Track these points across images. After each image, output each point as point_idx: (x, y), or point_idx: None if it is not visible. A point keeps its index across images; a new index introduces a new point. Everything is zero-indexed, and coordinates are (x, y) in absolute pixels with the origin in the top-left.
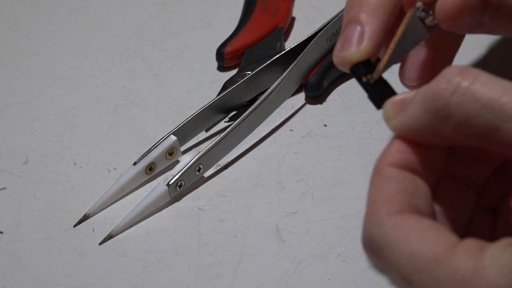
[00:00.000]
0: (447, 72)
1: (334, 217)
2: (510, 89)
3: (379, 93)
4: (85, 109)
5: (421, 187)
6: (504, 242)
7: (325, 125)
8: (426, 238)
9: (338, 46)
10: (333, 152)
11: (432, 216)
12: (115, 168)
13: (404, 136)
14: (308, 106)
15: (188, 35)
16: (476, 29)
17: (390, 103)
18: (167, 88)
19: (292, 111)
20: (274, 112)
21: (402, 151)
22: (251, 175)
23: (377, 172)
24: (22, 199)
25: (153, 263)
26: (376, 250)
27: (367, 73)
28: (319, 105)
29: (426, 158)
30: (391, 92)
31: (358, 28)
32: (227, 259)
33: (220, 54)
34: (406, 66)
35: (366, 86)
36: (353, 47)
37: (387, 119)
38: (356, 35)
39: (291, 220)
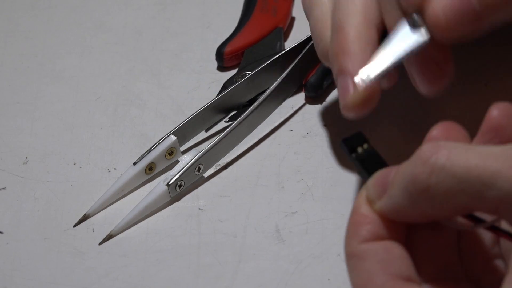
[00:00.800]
0: (422, 152)
1: (334, 217)
2: (484, 155)
3: (368, 166)
4: (85, 109)
5: (395, 250)
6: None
7: (325, 125)
8: None
9: (340, 98)
10: (333, 152)
11: (414, 272)
12: (115, 168)
13: (388, 217)
14: (308, 106)
15: (188, 35)
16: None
17: (371, 185)
18: (167, 88)
19: (292, 111)
20: (274, 112)
21: (368, 224)
22: (251, 175)
23: (351, 256)
24: (22, 199)
25: (153, 263)
26: None
27: (357, 147)
28: (319, 105)
29: (393, 223)
30: (381, 164)
31: (349, 78)
32: (227, 259)
33: (220, 54)
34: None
35: (355, 160)
36: (351, 93)
37: (370, 201)
38: (349, 84)
39: (291, 220)
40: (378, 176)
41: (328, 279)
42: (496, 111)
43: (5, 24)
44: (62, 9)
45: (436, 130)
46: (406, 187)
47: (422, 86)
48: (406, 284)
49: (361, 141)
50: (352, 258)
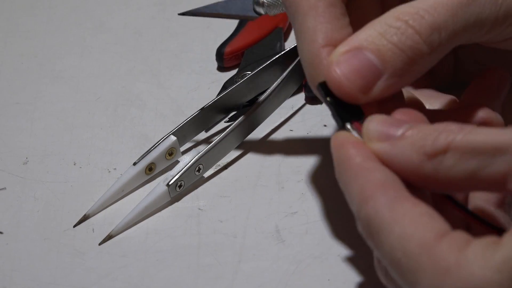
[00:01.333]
0: (449, 129)
1: (334, 217)
2: (495, 131)
3: (344, 112)
4: (84, 109)
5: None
6: (488, 240)
7: (325, 125)
8: (419, 223)
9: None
10: None
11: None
12: (115, 168)
13: (380, 159)
14: (308, 106)
15: (188, 35)
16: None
17: (376, 123)
18: (166, 88)
19: (292, 111)
20: (274, 113)
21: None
22: (250, 175)
23: (356, 167)
24: (22, 200)
25: (153, 264)
26: (373, 234)
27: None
28: (319, 106)
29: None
30: (357, 112)
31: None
32: (227, 259)
33: (220, 54)
34: None
35: (330, 105)
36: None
37: (368, 138)
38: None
39: (291, 220)
40: (386, 121)
41: (328, 279)
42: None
43: (5, 24)
44: (62, 10)
45: (399, 114)
46: (421, 147)
47: None
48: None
49: None
50: (363, 168)
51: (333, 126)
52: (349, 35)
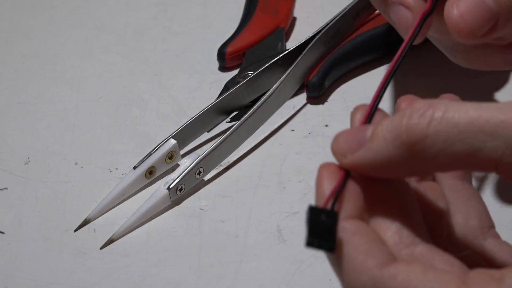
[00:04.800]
0: (416, 107)
1: None
2: (483, 108)
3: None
4: (86, 109)
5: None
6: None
7: (326, 125)
8: (431, 280)
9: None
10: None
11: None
12: (116, 168)
13: (362, 172)
14: (309, 106)
15: (189, 35)
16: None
17: (342, 139)
18: (168, 88)
19: (294, 111)
20: (275, 113)
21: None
22: (252, 176)
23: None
24: (23, 200)
25: (154, 264)
26: None
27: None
28: (320, 105)
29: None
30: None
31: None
32: (229, 259)
33: (222, 54)
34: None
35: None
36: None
37: (340, 155)
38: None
39: (292, 220)
40: (350, 131)
41: (330, 280)
42: (404, 103)
43: (6, 24)
44: (64, 10)
45: (404, 102)
46: (398, 137)
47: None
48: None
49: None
50: (344, 233)
51: (335, 126)
52: None
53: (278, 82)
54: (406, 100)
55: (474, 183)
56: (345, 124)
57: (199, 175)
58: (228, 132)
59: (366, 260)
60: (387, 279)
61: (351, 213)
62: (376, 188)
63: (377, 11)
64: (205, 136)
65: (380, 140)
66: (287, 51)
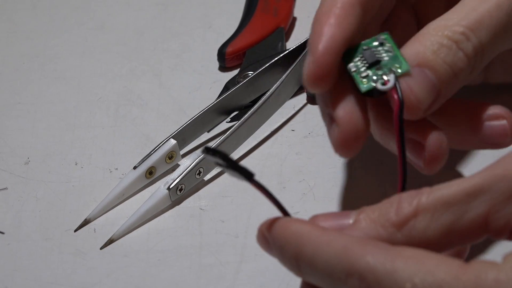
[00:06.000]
0: (393, 199)
1: None
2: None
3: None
4: (86, 109)
5: None
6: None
7: None
8: (431, 264)
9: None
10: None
11: None
12: (116, 168)
13: None
14: (309, 106)
15: (189, 35)
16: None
17: (322, 221)
18: (168, 88)
19: (294, 111)
20: (275, 113)
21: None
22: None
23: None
24: (23, 200)
25: (154, 264)
26: None
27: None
28: None
29: None
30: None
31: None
32: (229, 259)
33: (222, 54)
34: None
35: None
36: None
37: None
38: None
39: None
40: (327, 216)
41: None
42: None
43: (6, 24)
44: (64, 10)
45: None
46: (384, 224)
47: (421, 169)
48: None
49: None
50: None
51: None
52: None
53: (278, 82)
54: (319, 219)
55: None
56: None
57: (199, 175)
58: (228, 132)
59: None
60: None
61: None
62: None
63: None
64: (205, 136)
65: (368, 223)
66: (287, 51)
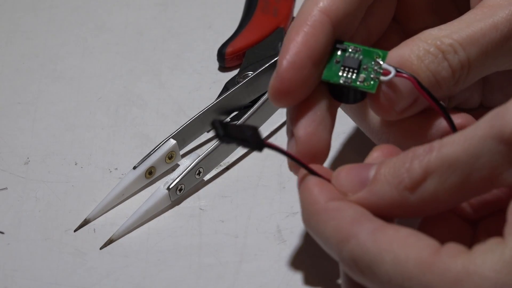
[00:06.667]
0: (418, 153)
1: None
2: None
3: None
4: (86, 109)
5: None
6: (491, 241)
7: None
8: (409, 245)
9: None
10: (334, 152)
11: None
12: (116, 168)
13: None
14: None
15: (189, 36)
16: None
17: (343, 176)
18: (168, 89)
19: None
20: (275, 113)
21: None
22: (252, 176)
23: (324, 210)
24: (23, 200)
25: (154, 264)
26: (363, 269)
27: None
28: None
29: None
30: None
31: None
32: (228, 259)
33: (221, 54)
34: None
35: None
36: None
37: (344, 192)
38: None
39: (292, 220)
40: (352, 169)
41: (330, 280)
42: (376, 153)
43: (6, 24)
44: (63, 10)
45: (377, 152)
46: (400, 183)
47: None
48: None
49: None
50: (329, 211)
51: (336, 126)
52: None
53: None
54: (379, 150)
55: None
56: (346, 124)
57: (199, 175)
58: None
59: (352, 228)
60: (368, 242)
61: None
62: None
63: None
64: (205, 136)
65: (384, 184)
66: None
